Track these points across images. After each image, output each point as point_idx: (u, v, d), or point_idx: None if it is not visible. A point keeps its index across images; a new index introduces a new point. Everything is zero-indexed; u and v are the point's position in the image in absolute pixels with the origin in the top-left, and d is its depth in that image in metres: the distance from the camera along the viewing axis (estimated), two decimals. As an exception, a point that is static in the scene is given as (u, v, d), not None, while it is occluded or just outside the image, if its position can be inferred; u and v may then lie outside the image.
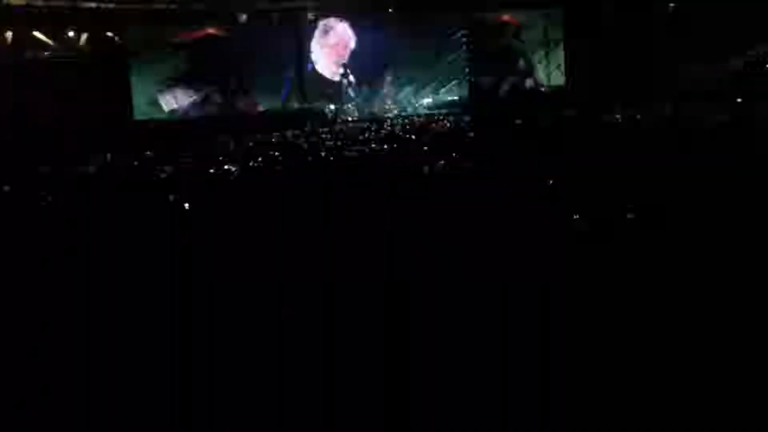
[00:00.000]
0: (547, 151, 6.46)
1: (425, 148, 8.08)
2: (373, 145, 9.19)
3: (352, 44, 19.34)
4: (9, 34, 15.88)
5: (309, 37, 19.09)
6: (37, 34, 16.20)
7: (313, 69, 19.13)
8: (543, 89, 19.94)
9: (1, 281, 3.46)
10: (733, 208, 3.54)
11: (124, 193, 6.40)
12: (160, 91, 17.80)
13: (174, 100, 17.95)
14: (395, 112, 18.86)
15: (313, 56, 19.10)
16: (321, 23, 19.10)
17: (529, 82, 20.62)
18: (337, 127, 15.65)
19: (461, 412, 2.16)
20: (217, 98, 18.46)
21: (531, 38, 20.54)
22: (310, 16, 18.94)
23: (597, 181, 4.56)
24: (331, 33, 19.26)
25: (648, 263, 2.98)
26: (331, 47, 19.26)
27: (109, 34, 17.15)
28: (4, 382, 2.50)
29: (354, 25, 19.31)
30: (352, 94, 19.27)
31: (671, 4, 17.90)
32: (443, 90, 19.92)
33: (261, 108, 18.66)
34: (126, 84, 17.35)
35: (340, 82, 19.30)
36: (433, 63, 19.89)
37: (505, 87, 20.28)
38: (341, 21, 19.19)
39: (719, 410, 2.02)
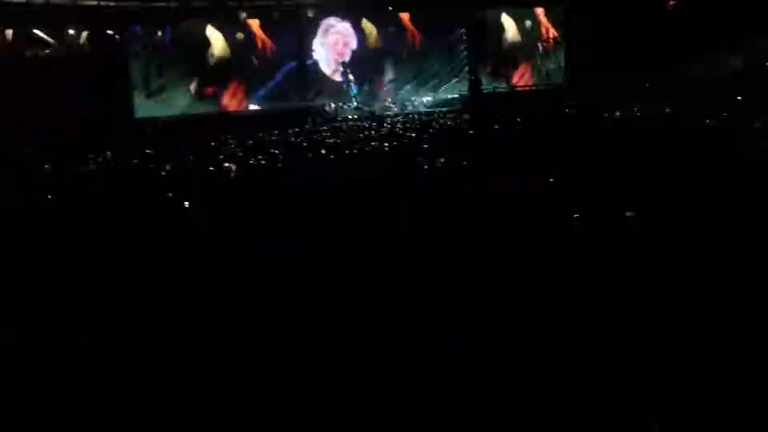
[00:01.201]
0: (547, 149, 6.47)
1: (425, 145, 8.08)
2: (373, 144, 9.19)
3: (354, 43, 19.38)
4: (9, 33, 15.86)
5: (308, 36, 19.12)
6: (37, 32, 16.20)
7: (314, 67, 19.16)
8: (542, 88, 19.95)
9: (2, 280, 3.46)
10: (732, 207, 3.55)
11: (125, 192, 6.40)
12: (155, 92, 17.85)
13: (169, 100, 17.98)
14: (395, 110, 18.88)
15: (316, 55, 19.13)
16: (323, 22, 19.14)
17: (528, 81, 20.64)
18: (337, 125, 15.64)
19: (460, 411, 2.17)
20: (216, 97, 18.50)
21: (531, 37, 20.55)
22: (310, 14, 18.95)
23: (597, 181, 4.56)
24: (332, 31, 19.29)
25: (648, 262, 2.98)
26: (331, 45, 19.29)
27: (110, 32, 17.15)
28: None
29: (356, 25, 19.35)
30: (352, 92, 19.29)
31: (671, 3, 17.90)
32: (443, 88, 19.94)
33: (258, 106, 18.70)
34: (126, 82, 17.35)
35: (340, 81, 19.34)
36: (433, 61, 19.92)
37: (504, 85, 20.30)
38: (342, 20, 19.22)
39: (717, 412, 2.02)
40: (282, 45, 18.78)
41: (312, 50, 19.11)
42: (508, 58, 20.57)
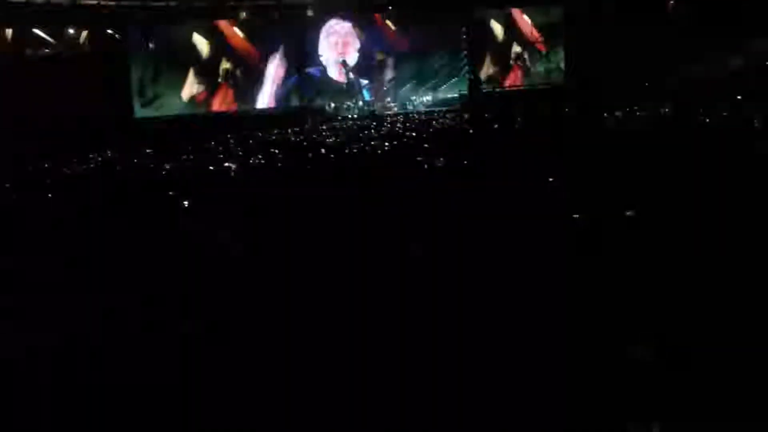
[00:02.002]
0: (547, 149, 6.47)
1: (425, 145, 8.09)
2: (373, 143, 9.20)
3: (357, 43, 19.42)
4: (9, 33, 15.87)
5: (308, 35, 19.14)
6: (37, 32, 16.20)
7: (320, 68, 19.23)
8: (543, 87, 19.95)
9: (2, 279, 3.46)
10: (732, 207, 3.55)
11: (125, 191, 6.40)
12: (154, 92, 17.87)
13: (168, 99, 17.99)
14: (395, 109, 18.88)
15: (323, 58, 19.21)
16: (326, 23, 19.18)
17: (528, 81, 20.64)
18: (338, 125, 15.66)
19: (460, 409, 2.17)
20: (217, 95, 18.52)
21: (532, 37, 20.55)
22: (310, 13, 18.97)
23: (597, 181, 4.57)
24: (331, 32, 19.32)
25: (648, 262, 2.98)
26: (333, 45, 19.33)
27: (110, 31, 17.15)
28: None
29: (355, 25, 19.39)
30: (352, 91, 19.30)
31: (671, 3, 17.91)
32: (442, 88, 19.94)
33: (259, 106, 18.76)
34: (127, 82, 17.35)
35: (340, 81, 19.36)
36: (432, 61, 19.92)
37: (504, 85, 20.30)
38: (344, 20, 19.26)
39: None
40: (282, 44, 18.80)
41: (319, 54, 19.17)
42: (508, 57, 20.56)
